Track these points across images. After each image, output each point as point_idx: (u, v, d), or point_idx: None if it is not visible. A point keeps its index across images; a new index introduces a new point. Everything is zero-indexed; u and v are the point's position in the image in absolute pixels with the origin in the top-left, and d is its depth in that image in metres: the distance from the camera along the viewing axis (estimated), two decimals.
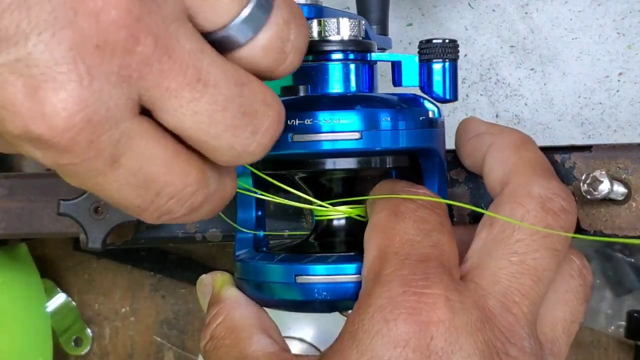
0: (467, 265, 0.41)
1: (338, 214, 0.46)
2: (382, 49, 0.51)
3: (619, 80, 0.69)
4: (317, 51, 0.45)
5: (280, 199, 0.47)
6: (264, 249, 0.48)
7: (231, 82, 0.34)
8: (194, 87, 0.33)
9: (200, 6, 0.34)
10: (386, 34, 0.55)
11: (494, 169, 0.44)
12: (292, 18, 0.36)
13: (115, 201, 0.36)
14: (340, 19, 0.45)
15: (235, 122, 0.35)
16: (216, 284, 0.46)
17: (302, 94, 0.45)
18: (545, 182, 0.42)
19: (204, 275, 0.47)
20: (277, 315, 0.45)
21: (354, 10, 0.57)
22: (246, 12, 0.34)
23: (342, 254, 0.45)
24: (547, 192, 0.42)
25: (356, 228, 0.46)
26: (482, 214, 0.49)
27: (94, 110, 0.32)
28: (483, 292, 0.39)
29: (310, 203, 0.46)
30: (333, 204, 0.46)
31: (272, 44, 0.35)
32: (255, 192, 0.48)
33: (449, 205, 0.49)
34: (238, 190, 0.47)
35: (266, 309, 0.45)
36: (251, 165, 0.47)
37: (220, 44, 0.35)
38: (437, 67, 0.47)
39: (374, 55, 0.46)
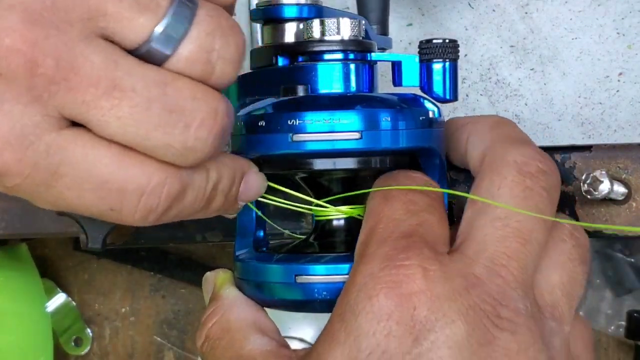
0: (457, 242, 0.41)
1: (338, 214, 0.46)
2: (383, 49, 0.51)
3: (619, 80, 0.69)
4: (317, 51, 0.45)
5: (280, 200, 0.47)
6: (264, 249, 0.48)
7: (151, 84, 0.36)
8: (111, 95, 0.35)
9: (115, 27, 0.36)
10: (386, 34, 0.55)
11: (473, 150, 0.44)
12: (217, 29, 0.37)
13: (85, 209, 0.38)
14: (341, 19, 0.45)
15: (163, 120, 0.36)
16: (217, 282, 0.46)
17: (302, 94, 0.45)
18: (521, 148, 0.42)
19: (208, 273, 0.47)
20: (277, 315, 0.45)
21: (354, 10, 0.57)
22: (160, 28, 0.36)
23: (342, 253, 0.45)
24: (523, 157, 0.42)
25: (356, 228, 0.46)
26: None
27: (9, 131, 0.35)
28: (468, 261, 0.40)
29: (310, 204, 0.46)
30: (330, 203, 0.46)
31: (195, 55, 0.37)
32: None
33: (449, 206, 0.49)
34: None
35: (266, 309, 0.45)
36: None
37: (147, 59, 0.36)
38: (437, 67, 0.47)
39: (374, 55, 0.46)
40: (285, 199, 0.50)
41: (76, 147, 0.36)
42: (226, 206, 0.42)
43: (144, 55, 0.36)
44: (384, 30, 0.55)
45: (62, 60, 0.35)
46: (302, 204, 0.47)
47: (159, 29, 0.36)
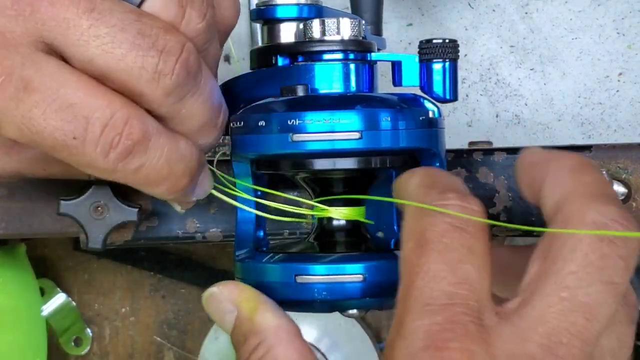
0: (516, 302, 0.37)
1: (338, 214, 0.46)
2: (377, 50, 0.51)
3: (619, 80, 0.69)
4: (317, 51, 0.45)
5: (278, 204, 0.48)
6: (264, 248, 0.48)
7: (127, 9, 0.39)
8: (90, 15, 0.38)
9: None
10: (380, 34, 0.55)
11: (550, 196, 0.39)
12: None
13: (49, 134, 0.38)
14: (341, 18, 0.45)
15: (137, 41, 0.38)
16: (244, 304, 0.43)
17: (302, 93, 0.45)
18: (602, 207, 0.37)
19: (214, 289, 0.44)
20: None
21: (348, 10, 0.57)
22: None
23: (342, 253, 0.45)
24: (603, 218, 0.37)
25: (356, 228, 0.46)
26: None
27: None
28: (522, 335, 0.36)
29: (311, 207, 0.46)
30: (330, 203, 0.46)
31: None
32: (255, 191, 0.48)
33: None
34: (238, 193, 0.47)
35: None
36: (251, 167, 0.47)
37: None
38: (437, 67, 0.47)
39: (374, 55, 0.46)
40: (285, 199, 0.50)
41: (49, 66, 0.38)
42: (186, 191, 0.42)
43: None
44: (377, 31, 0.55)
45: None
46: (302, 203, 0.46)
47: None
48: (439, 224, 0.37)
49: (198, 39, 0.40)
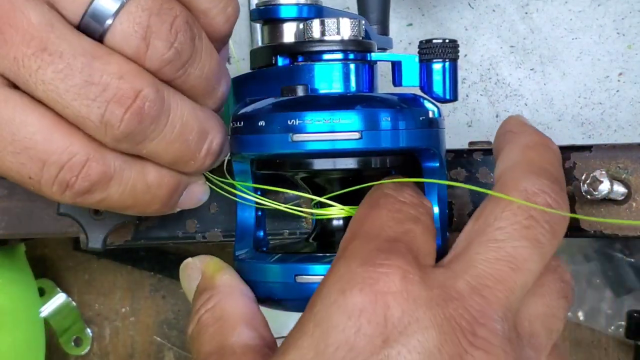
0: (449, 257, 0.41)
1: (338, 213, 0.46)
2: (383, 49, 0.51)
3: (619, 80, 0.69)
4: (317, 51, 0.45)
5: (278, 204, 0.47)
6: (264, 248, 0.48)
7: (79, 53, 0.37)
8: (39, 56, 0.37)
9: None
10: (387, 34, 0.55)
11: (499, 165, 0.44)
12: (155, 5, 0.38)
13: (4, 172, 0.39)
14: (341, 19, 0.45)
15: (82, 90, 0.37)
16: (208, 269, 0.45)
17: (301, 93, 0.45)
18: (536, 179, 0.41)
19: (190, 259, 0.46)
20: (277, 315, 0.45)
21: (354, 10, 0.57)
22: (97, 1, 0.37)
23: None
24: (534, 187, 0.41)
25: None
26: None
27: None
28: (452, 275, 0.39)
29: (310, 205, 0.46)
30: (329, 203, 0.46)
31: (128, 30, 0.38)
32: (255, 193, 0.48)
33: (449, 206, 0.49)
34: (237, 193, 0.47)
35: (266, 308, 0.45)
36: (251, 167, 0.47)
37: (86, 32, 0.38)
38: (437, 67, 0.47)
39: (374, 55, 0.46)
40: (285, 199, 0.50)
41: (7, 106, 0.38)
42: (162, 210, 0.43)
43: (84, 28, 0.38)
44: (384, 30, 0.55)
45: (1, 13, 0.37)
46: (302, 202, 0.46)
47: (96, 2, 0.37)
48: (391, 197, 0.42)
49: (167, 69, 0.39)
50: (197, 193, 0.45)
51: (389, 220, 0.41)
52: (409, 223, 0.41)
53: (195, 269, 0.46)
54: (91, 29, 0.38)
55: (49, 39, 0.37)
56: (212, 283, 0.44)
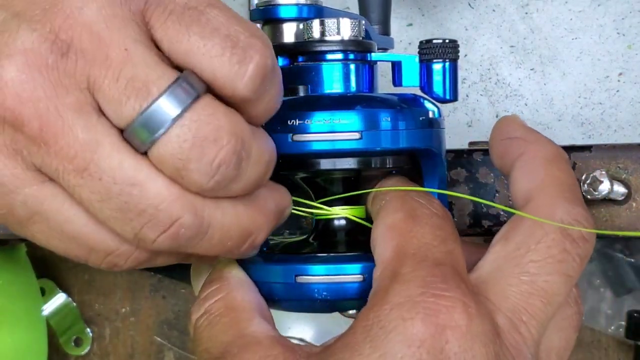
0: (475, 276, 0.41)
1: (339, 214, 0.46)
2: (384, 49, 0.51)
3: (619, 80, 0.69)
4: (317, 51, 0.45)
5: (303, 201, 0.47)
6: (264, 248, 0.48)
7: (118, 178, 0.36)
8: (80, 174, 0.36)
9: (105, 105, 0.36)
10: (388, 34, 0.55)
11: (521, 180, 0.43)
12: (198, 136, 0.36)
13: (51, 248, 0.39)
14: (341, 19, 0.45)
15: (114, 214, 0.36)
16: (218, 264, 0.45)
17: (302, 94, 0.45)
18: (570, 207, 0.41)
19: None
20: (277, 315, 0.45)
21: (355, 9, 0.57)
22: (142, 116, 0.35)
23: (342, 254, 0.45)
24: (570, 218, 0.41)
25: (356, 228, 0.46)
26: (479, 217, 0.49)
27: None
28: (493, 307, 0.39)
29: (311, 206, 0.46)
30: (330, 203, 0.46)
31: (166, 157, 0.36)
32: None
33: (450, 207, 0.49)
34: None
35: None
36: None
37: (130, 142, 0.36)
38: (437, 67, 0.47)
39: (374, 55, 0.46)
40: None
41: (53, 202, 0.37)
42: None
43: (128, 138, 0.36)
44: (385, 30, 0.55)
45: (47, 124, 0.35)
46: (303, 204, 0.46)
47: (139, 118, 0.35)
48: (426, 209, 0.42)
49: (208, 193, 0.37)
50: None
51: (434, 239, 0.40)
52: (450, 242, 0.41)
53: (205, 265, 0.45)
54: (133, 141, 0.36)
55: (91, 160, 0.35)
56: (222, 274, 0.44)
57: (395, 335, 0.37)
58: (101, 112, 0.36)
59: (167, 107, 0.35)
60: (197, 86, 0.36)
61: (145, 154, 0.36)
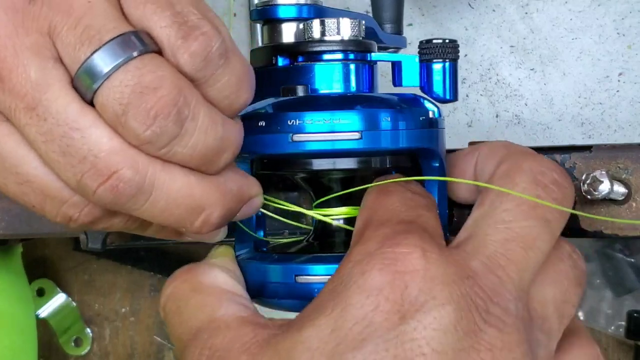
0: (458, 239, 0.41)
1: (338, 215, 0.46)
2: (397, 48, 0.51)
3: (619, 80, 0.69)
4: (317, 51, 0.45)
5: (282, 203, 0.47)
6: (264, 249, 0.48)
7: (63, 120, 0.37)
8: (28, 113, 0.37)
9: (62, 50, 0.37)
10: (401, 33, 0.55)
11: (485, 165, 0.44)
12: (140, 82, 0.37)
13: (12, 197, 0.40)
14: (341, 19, 0.45)
15: (56, 156, 0.37)
16: (214, 251, 0.46)
17: (301, 93, 0.45)
18: (537, 158, 0.42)
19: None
20: (277, 316, 0.45)
21: (354, 9, 0.57)
22: (89, 62, 0.37)
23: (342, 253, 0.45)
24: (539, 166, 0.41)
25: None
26: None
27: None
28: (466, 255, 0.39)
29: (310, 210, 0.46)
30: (330, 203, 0.46)
31: (108, 101, 0.37)
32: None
33: (450, 209, 0.49)
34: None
35: (266, 309, 0.45)
36: (251, 167, 0.47)
37: (78, 89, 0.37)
38: (437, 67, 0.47)
39: (374, 55, 0.46)
40: (285, 199, 0.50)
41: (8, 141, 0.39)
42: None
43: (76, 84, 0.37)
44: (398, 30, 0.55)
45: (4, 60, 0.37)
46: (303, 202, 0.46)
47: (87, 62, 0.37)
48: (400, 184, 0.43)
49: (146, 147, 0.38)
50: (255, 206, 0.44)
51: (402, 205, 0.41)
52: (421, 209, 0.41)
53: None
54: (79, 87, 0.37)
55: (40, 100, 0.37)
56: (201, 261, 0.44)
57: (355, 288, 0.37)
58: (60, 61, 0.38)
59: (113, 54, 0.37)
60: (147, 43, 0.38)
61: (92, 104, 0.38)
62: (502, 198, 0.41)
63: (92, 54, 0.37)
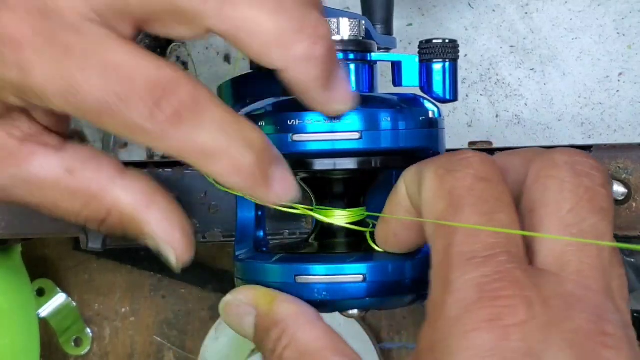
0: (531, 250, 0.37)
1: (338, 216, 0.46)
2: (387, 49, 0.51)
3: (619, 80, 0.69)
4: None
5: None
6: (264, 249, 0.48)
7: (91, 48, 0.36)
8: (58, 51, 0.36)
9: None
10: (391, 34, 0.55)
11: (512, 176, 0.40)
12: None
13: (92, 97, 0.37)
14: (341, 19, 0.45)
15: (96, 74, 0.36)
16: (260, 301, 0.42)
17: None
18: (564, 151, 0.39)
19: (229, 297, 0.43)
20: None
21: (354, 9, 0.57)
22: None
23: (342, 253, 0.45)
24: (570, 157, 0.38)
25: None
26: None
27: None
28: (557, 278, 0.36)
29: (311, 210, 0.46)
30: (331, 204, 0.46)
31: None
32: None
33: None
34: (236, 193, 0.47)
35: None
36: None
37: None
38: (437, 67, 0.47)
39: (374, 55, 0.46)
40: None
41: (91, 32, 0.37)
42: (234, 168, 0.39)
43: None
44: (388, 30, 0.55)
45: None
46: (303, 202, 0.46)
47: None
48: (465, 178, 0.37)
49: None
50: (287, 180, 0.40)
51: (478, 221, 0.37)
52: (497, 214, 0.37)
53: (242, 306, 0.43)
54: None
55: (61, 38, 0.36)
56: (275, 317, 0.41)
57: (463, 351, 0.34)
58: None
59: None
60: None
61: None
62: (558, 199, 0.37)
63: None
